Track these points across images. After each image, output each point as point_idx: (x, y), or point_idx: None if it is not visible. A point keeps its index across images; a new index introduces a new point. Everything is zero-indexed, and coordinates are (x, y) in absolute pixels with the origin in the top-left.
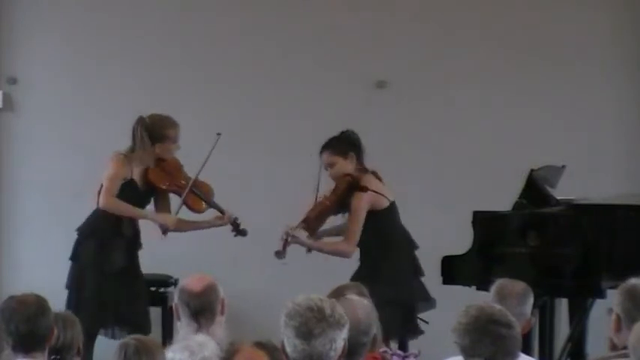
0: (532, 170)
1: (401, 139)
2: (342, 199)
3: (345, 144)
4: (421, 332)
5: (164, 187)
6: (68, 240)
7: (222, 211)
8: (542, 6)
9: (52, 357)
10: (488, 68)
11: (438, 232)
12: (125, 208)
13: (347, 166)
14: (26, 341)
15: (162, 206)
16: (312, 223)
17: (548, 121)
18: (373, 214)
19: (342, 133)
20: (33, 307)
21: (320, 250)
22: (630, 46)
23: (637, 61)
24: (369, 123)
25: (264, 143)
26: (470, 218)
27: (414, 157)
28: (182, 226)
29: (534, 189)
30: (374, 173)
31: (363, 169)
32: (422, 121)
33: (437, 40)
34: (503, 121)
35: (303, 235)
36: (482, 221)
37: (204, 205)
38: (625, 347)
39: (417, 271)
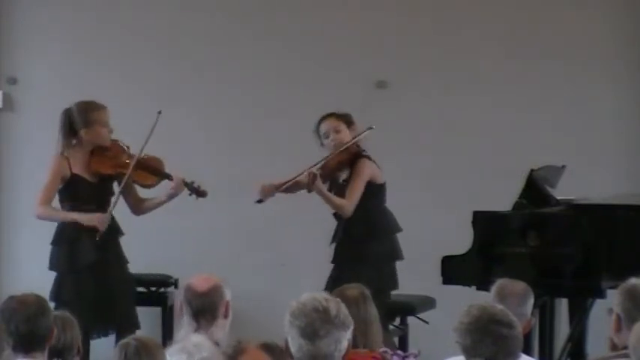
0: (532, 170)
1: (401, 139)
2: (347, 162)
3: (346, 115)
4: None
5: (110, 172)
6: None
7: (176, 179)
8: (542, 6)
9: None
10: (489, 68)
11: (438, 232)
12: (56, 215)
13: (349, 136)
14: (26, 341)
15: (128, 190)
16: (327, 172)
17: (548, 121)
18: (370, 185)
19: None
20: (33, 307)
21: (327, 199)
22: (630, 46)
23: (637, 61)
24: (369, 123)
25: (263, 143)
26: (470, 218)
27: (414, 157)
28: (142, 208)
29: (534, 189)
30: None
31: None
32: (422, 121)
33: (437, 41)
34: (503, 121)
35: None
36: (483, 221)
37: (153, 178)
38: (625, 347)
39: (395, 254)
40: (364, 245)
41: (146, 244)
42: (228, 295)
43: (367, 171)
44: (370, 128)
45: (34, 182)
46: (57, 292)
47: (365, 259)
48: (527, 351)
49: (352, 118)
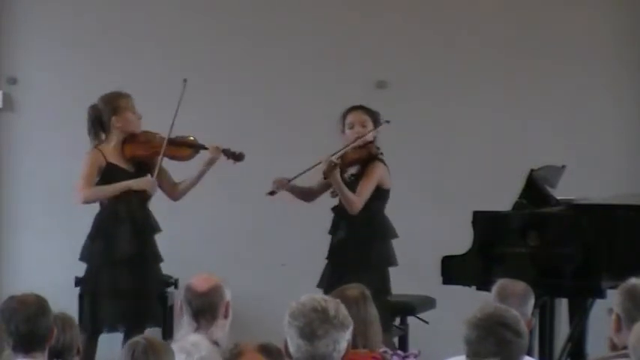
0: (532, 170)
1: (401, 139)
2: (363, 160)
3: (375, 116)
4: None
5: (143, 153)
6: (68, 240)
7: (212, 147)
8: (542, 6)
9: None
10: (489, 68)
11: (438, 232)
12: (103, 190)
13: (371, 135)
14: (26, 341)
15: (161, 177)
16: (345, 163)
17: (548, 121)
18: (377, 189)
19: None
20: (33, 307)
21: (341, 189)
22: (630, 46)
23: (637, 61)
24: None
25: (263, 143)
26: (470, 218)
27: (414, 156)
28: (183, 188)
29: (534, 189)
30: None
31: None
32: (422, 121)
33: (437, 40)
34: (503, 121)
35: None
36: (482, 221)
37: (189, 150)
38: (625, 347)
39: (389, 261)
40: (366, 247)
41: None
42: (228, 295)
43: (380, 173)
44: (387, 122)
45: (35, 182)
46: (91, 284)
47: (366, 260)
48: (528, 351)
49: (380, 118)
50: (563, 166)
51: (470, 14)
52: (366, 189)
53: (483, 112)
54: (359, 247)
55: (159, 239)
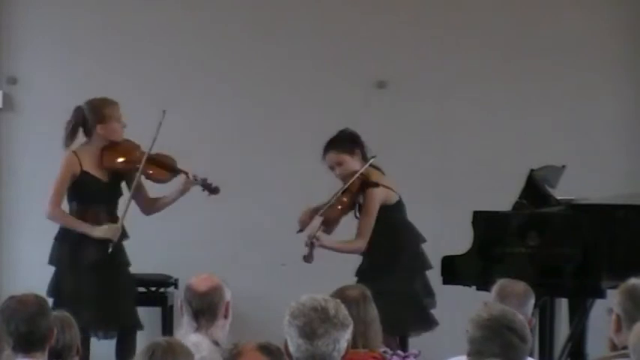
0: (532, 170)
1: (401, 139)
2: (355, 197)
3: (347, 141)
4: (436, 323)
5: (123, 167)
6: None
7: (189, 175)
8: (542, 6)
9: None
10: (488, 68)
11: (438, 232)
12: (69, 221)
13: (355, 163)
14: (26, 341)
15: (139, 190)
16: (331, 224)
17: (548, 121)
18: (384, 209)
19: (341, 132)
20: (33, 307)
21: (339, 251)
22: (630, 46)
23: (637, 61)
24: (369, 123)
25: (264, 143)
26: (470, 218)
27: (414, 156)
28: (154, 207)
29: (534, 189)
30: (375, 167)
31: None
32: (422, 121)
33: (437, 40)
34: (503, 121)
35: (324, 237)
36: (482, 221)
37: (167, 173)
38: (625, 347)
39: (425, 265)
40: (393, 258)
41: (146, 244)
42: (228, 295)
43: (376, 201)
44: (373, 157)
45: (35, 182)
46: (56, 288)
47: (394, 273)
48: None
49: (355, 139)
50: (563, 166)
51: (470, 14)
52: (366, 225)
53: (483, 112)
54: (382, 262)
55: (159, 239)
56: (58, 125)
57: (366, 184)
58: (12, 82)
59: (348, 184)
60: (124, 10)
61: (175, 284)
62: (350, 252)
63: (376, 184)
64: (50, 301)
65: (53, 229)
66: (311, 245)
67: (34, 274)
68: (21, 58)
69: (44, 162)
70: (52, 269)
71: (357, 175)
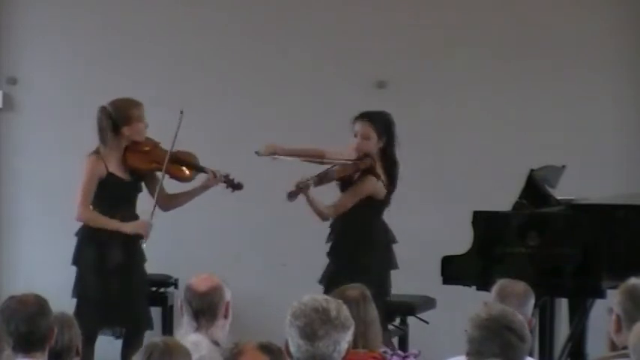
0: (532, 170)
1: (401, 139)
2: (354, 175)
3: (384, 124)
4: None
5: (146, 167)
6: (68, 240)
7: (212, 172)
8: (542, 6)
9: None
10: (489, 68)
11: (438, 232)
12: (102, 221)
13: (374, 146)
14: (26, 341)
15: (154, 189)
16: (322, 181)
17: (548, 121)
18: (369, 200)
19: (385, 112)
20: (33, 307)
21: (311, 205)
22: (630, 46)
23: (637, 61)
24: None
25: (264, 143)
26: (470, 218)
27: (414, 157)
28: (174, 202)
29: (534, 189)
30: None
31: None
32: (422, 121)
33: (437, 40)
34: (503, 121)
35: (311, 187)
36: (482, 221)
37: (188, 171)
38: (625, 347)
39: (391, 264)
40: (356, 253)
41: (146, 244)
42: (228, 295)
43: (368, 189)
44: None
45: (34, 182)
46: (82, 290)
47: (356, 265)
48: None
49: (390, 127)
50: (563, 166)
51: (470, 14)
52: (347, 202)
53: (483, 112)
54: (347, 254)
55: (160, 239)
56: (58, 125)
57: (370, 170)
58: (12, 82)
59: (360, 161)
60: (124, 10)
61: (175, 284)
62: (317, 213)
63: (378, 176)
64: (73, 302)
65: (53, 229)
66: (299, 189)
67: (34, 274)
68: (21, 58)
69: (44, 162)
70: (51, 269)
71: (368, 159)
